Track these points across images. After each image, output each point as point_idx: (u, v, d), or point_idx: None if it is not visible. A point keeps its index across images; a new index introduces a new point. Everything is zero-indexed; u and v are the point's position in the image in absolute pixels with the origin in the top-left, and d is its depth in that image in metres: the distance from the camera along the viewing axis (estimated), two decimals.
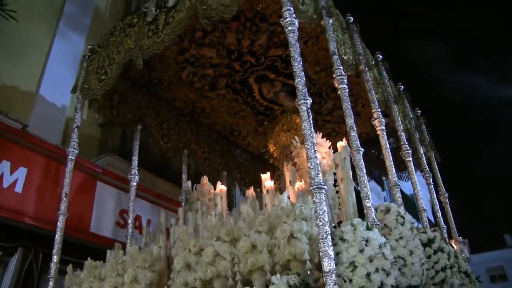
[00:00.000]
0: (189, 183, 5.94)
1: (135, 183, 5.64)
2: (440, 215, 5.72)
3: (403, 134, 5.44)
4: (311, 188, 3.01)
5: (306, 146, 3.19)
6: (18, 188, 5.48)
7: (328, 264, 2.76)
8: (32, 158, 5.75)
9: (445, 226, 5.64)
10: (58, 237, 4.57)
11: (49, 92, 6.79)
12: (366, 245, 3.09)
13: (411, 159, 5.33)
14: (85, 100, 5.37)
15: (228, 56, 5.74)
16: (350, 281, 2.98)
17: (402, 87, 6.42)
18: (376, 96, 5.26)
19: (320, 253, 2.80)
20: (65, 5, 7.74)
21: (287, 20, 3.75)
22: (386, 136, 4.72)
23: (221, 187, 5.22)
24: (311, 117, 3.34)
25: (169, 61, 5.75)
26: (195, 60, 5.77)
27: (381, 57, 5.90)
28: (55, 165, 5.96)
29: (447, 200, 6.31)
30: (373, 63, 5.77)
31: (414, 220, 3.99)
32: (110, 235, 6.20)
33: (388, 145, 4.70)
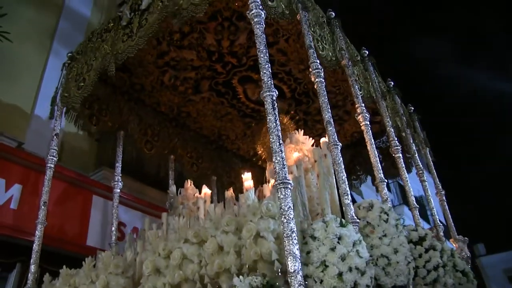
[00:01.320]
0: (174, 187, 5.78)
1: (118, 190, 5.54)
2: (436, 213, 5.50)
3: (392, 130, 5.27)
4: (276, 183, 2.83)
5: (271, 139, 3.02)
6: (14, 205, 5.52)
7: (293, 264, 2.56)
8: (27, 175, 5.78)
9: (441, 224, 5.42)
10: (36, 246, 4.43)
11: (44, 110, 6.57)
12: (338, 242, 2.90)
13: (400, 155, 5.14)
14: (64, 108, 5.28)
15: (209, 58, 5.60)
16: (321, 282, 2.80)
17: (392, 83, 6.25)
18: (361, 92, 5.13)
19: (285, 252, 2.62)
20: (59, 24, 7.76)
21: (252, 12, 3.62)
22: (370, 132, 4.57)
23: (205, 191, 5.07)
24: (276, 110, 3.17)
25: (150, 66, 5.62)
26: (176, 63, 5.63)
27: (367, 52, 5.75)
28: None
29: (444, 197, 6.12)
30: (359, 58, 5.62)
31: (399, 217, 3.79)
32: (108, 248, 6.01)
33: (373, 140, 4.54)
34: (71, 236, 5.90)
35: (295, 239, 2.63)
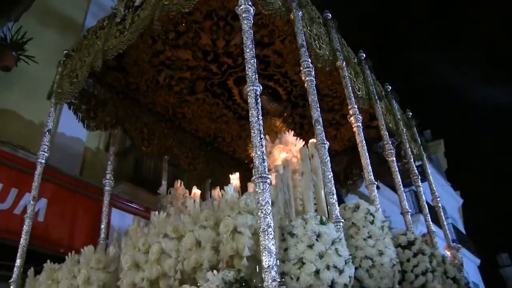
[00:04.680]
0: (164, 187, 5.74)
1: (109, 188, 5.48)
2: (430, 219, 5.41)
3: (386, 133, 5.21)
4: (254, 177, 2.77)
5: (252, 134, 2.97)
6: (41, 217, 5.89)
7: (268, 259, 2.49)
8: (51, 189, 6.11)
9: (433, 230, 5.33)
10: (23, 240, 4.40)
11: (67, 127, 7.09)
12: (317, 240, 2.83)
13: (394, 159, 5.09)
14: (57, 104, 5.28)
15: (204, 58, 5.56)
16: (297, 279, 2.72)
17: (390, 87, 6.19)
18: (359, 93, 5.09)
19: (261, 247, 2.55)
20: None
21: (241, 7, 3.58)
22: (362, 133, 4.53)
23: (195, 191, 5.02)
24: (259, 105, 3.13)
25: (145, 65, 5.59)
26: (171, 62, 5.60)
27: (364, 55, 5.70)
28: (73, 195, 6.39)
29: (439, 204, 6.01)
30: (356, 61, 5.57)
31: (385, 219, 3.71)
32: None
33: (364, 142, 4.50)
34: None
35: (271, 234, 2.56)
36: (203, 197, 5.54)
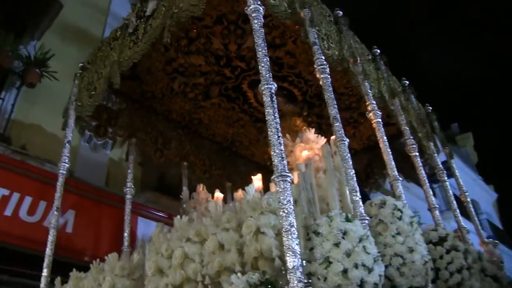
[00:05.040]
0: (187, 192, 5.71)
1: (130, 196, 5.47)
2: (459, 215, 5.28)
3: (407, 128, 5.12)
4: (274, 176, 2.70)
5: (269, 132, 2.91)
6: (69, 229, 6.04)
7: (292, 260, 2.41)
8: (78, 201, 6.28)
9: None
10: (49, 250, 4.39)
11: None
12: (343, 238, 2.74)
13: (417, 153, 4.99)
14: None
15: (217, 63, 5.54)
16: (325, 279, 2.63)
17: (407, 82, 6.09)
18: (371, 91, 5.00)
19: (284, 247, 2.47)
20: None
21: (251, 7, 3.54)
22: (382, 129, 4.43)
23: (217, 195, 4.98)
24: (275, 103, 3.07)
25: (159, 73, 5.59)
26: (184, 69, 5.59)
27: (378, 51, 5.61)
28: (99, 206, 6.53)
29: (468, 199, 5.86)
30: (370, 57, 5.48)
31: (414, 214, 3.60)
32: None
33: (385, 138, 4.39)
34: None
35: (294, 233, 2.48)
36: (224, 200, 5.50)
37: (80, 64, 5.55)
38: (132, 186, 5.52)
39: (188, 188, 6.09)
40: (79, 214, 6.18)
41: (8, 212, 5.62)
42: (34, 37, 7.46)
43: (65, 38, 8.04)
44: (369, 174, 7.04)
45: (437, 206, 4.75)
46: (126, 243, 5.15)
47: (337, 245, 2.70)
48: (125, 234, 5.24)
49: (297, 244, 2.46)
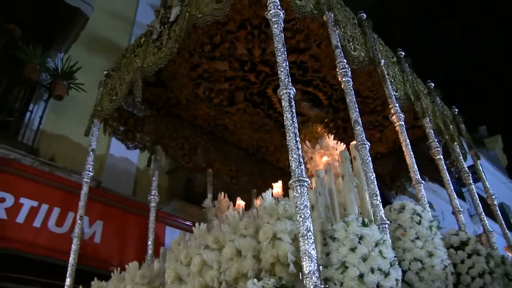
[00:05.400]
0: (209, 200, 5.73)
1: (154, 204, 5.53)
2: (484, 218, 5.19)
3: (432, 131, 5.06)
4: (292, 181, 2.71)
5: (287, 137, 2.91)
6: (97, 239, 6.17)
7: (308, 265, 2.41)
8: (106, 211, 6.41)
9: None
10: (72, 259, 4.46)
11: (118, 149, 7.22)
12: (359, 242, 2.73)
13: (441, 157, 4.94)
14: (101, 123, 5.37)
15: (242, 68, 5.56)
16: (341, 284, 2.63)
17: (433, 84, 6.01)
18: (396, 93, 4.96)
19: (301, 252, 2.48)
20: None
21: (271, 12, 3.54)
22: (405, 132, 4.41)
23: (239, 203, 4.99)
24: (293, 108, 3.07)
25: (183, 79, 5.64)
26: (209, 75, 5.63)
27: (403, 54, 5.56)
28: (127, 215, 6.63)
29: (494, 202, 5.75)
30: (395, 60, 5.44)
31: (433, 219, 3.57)
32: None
33: (408, 141, 4.36)
34: None
35: (311, 238, 2.48)
36: (248, 207, 5.51)
37: (105, 72, 5.65)
38: (157, 194, 5.58)
39: (214, 195, 6.12)
40: (106, 224, 6.29)
41: (37, 223, 5.74)
42: (61, 50, 7.70)
43: (91, 50, 8.23)
44: (394, 177, 6.96)
45: (461, 209, 4.68)
46: (150, 252, 5.18)
47: (353, 249, 2.69)
48: (149, 242, 5.28)
49: (313, 249, 2.46)
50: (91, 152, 5.14)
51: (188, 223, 7.16)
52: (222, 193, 5.57)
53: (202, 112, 6.17)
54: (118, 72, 5.36)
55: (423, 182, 4.18)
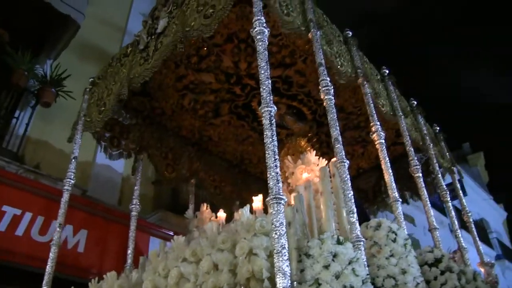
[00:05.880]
0: (191, 211, 5.77)
1: (135, 213, 5.51)
2: (460, 235, 5.30)
3: (412, 149, 5.15)
4: (269, 198, 2.76)
5: (266, 155, 2.97)
6: (81, 248, 6.18)
7: (282, 281, 2.46)
8: (91, 220, 6.45)
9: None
10: (49, 267, 4.42)
11: (104, 158, 7.22)
12: (333, 260, 2.79)
13: (420, 175, 5.02)
14: (83, 132, 5.36)
15: (227, 81, 5.62)
16: None
17: (415, 102, 6.12)
18: (383, 109, 5.06)
19: (275, 268, 2.53)
20: None
21: (256, 29, 3.59)
22: (385, 150, 4.49)
23: (220, 215, 5.03)
24: (274, 126, 3.14)
25: (169, 90, 5.68)
26: (195, 86, 5.67)
27: (387, 71, 5.66)
28: (111, 225, 6.65)
29: (470, 219, 5.86)
30: (379, 77, 5.53)
31: (408, 237, 3.64)
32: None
33: (387, 159, 4.45)
34: None
35: (285, 255, 2.53)
36: (229, 220, 5.55)
37: (90, 79, 5.65)
38: (138, 204, 5.57)
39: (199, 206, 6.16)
40: (90, 233, 6.30)
41: (19, 232, 5.72)
42: (51, 56, 7.67)
43: (82, 57, 8.23)
44: (377, 192, 7.05)
45: (437, 227, 4.77)
46: (129, 261, 5.15)
47: (326, 267, 2.75)
48: (129, 251, 5.26)
49: (287, 266, 2.51)
50: (73, 160, 5.13)
51: (172, 233, 7.15)
52: (205, 204, 5.59)
53: (187, 123, 6.21)
54: (105, 81, 5.36)
55: (400, 200, 4.25)
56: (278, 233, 2.60)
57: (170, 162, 6.17)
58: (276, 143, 3.04)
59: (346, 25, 5.28)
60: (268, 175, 2.88)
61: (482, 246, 5.68)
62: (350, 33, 5.19)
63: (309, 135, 6.08)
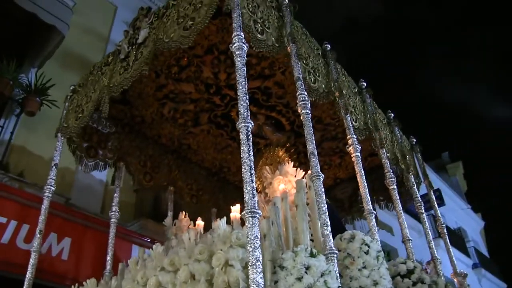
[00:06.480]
0: (169, 219, 5.81)
1: (114, 220, 5.55)
2: (433, 246, 5.43)
3: (387, 162, 5.26)
4: (244, 212, 2.84)
5: (243, 169, 3.04)
6: (65, 256, 6.23)
7: None
8: (75, 229, 6.51)
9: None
10: (29, 274, 4.46)
11: None
12: (306, 272, 2.87)
13: (395, 187, 5.14)
14: (64, 138, 5.39)
15: (207, 91, 5.68)
16: None
17: (392, 115, 6.25)
18: (356, 124, 5.14)
19: (250, 280, 2.60)
20: None
21: (235, 45, 3.68)
22: (361, 163, 4.59)
23: (198, 223, 5.08)
24: (250, 141, 3.19)
25: (149, 98, 5.73)
26: (175, 95, 5.73)
27: (365, 84, 5.77)
28: (94, 233, 6.66)
29: (444, 230, 6.00)
30: (356, 90, 5.64)
31: (381, 249, 3.75)
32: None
33: (363, 172, 4.55)
34: None
35: (260, 267, 2.61)
36: (207, 228, 5.60)
37: (71, 87, 5.70)
38: (118, 211, 5.61)
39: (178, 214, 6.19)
40: (74, 241, 6.34)
41: (4, 240, 5.74)
42: (35, 65, 7.65)
43: (66, 66, 8.23)
44: (353, 202, 7.17)
45: (411, 239, 4.89)
46: (108, 267, 5.18)
47: (299, 279, 2.83)
48: (108, 258, 5.29)
49: (261, 277, 2.59)
50: (54, 167, 5.17)
51: (153, 241, 7.17)
52: (183, 212, 5.65)
53: (166, 131, 6.26)
54: (85, 89, 5.41)
55: (374, 212, 4.35)
56: (253, 246, 2.68)
57: (149, 170, 6.20)
58: (252, 157, 3.11)
59: (328, 34, 5.38)
60: (244, 189, 2.95)
61: (459, 255, 5.88)
62: (329, 46, 5.26)
63: (287, 145, 6.16)
